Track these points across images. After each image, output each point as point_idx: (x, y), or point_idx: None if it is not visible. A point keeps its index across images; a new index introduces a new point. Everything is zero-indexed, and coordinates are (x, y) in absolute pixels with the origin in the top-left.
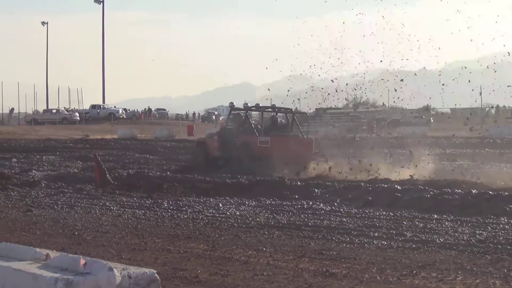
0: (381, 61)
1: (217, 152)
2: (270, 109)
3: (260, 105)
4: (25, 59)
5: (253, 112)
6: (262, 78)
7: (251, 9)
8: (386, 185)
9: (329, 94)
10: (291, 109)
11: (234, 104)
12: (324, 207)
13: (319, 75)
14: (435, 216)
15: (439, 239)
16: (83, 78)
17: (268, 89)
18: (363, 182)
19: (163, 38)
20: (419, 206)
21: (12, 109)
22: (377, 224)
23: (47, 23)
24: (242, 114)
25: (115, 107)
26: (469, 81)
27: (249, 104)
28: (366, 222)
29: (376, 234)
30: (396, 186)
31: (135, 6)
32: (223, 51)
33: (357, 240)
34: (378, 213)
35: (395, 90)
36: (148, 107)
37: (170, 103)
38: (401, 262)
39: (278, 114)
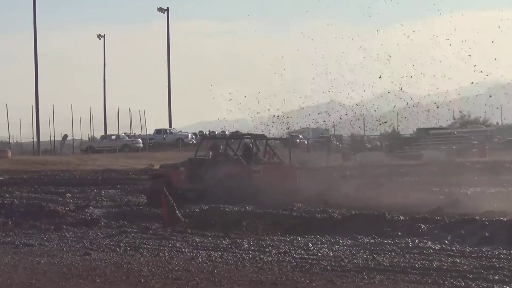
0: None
1: (186, 185)
2: (247, 137)
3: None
4: (79, 79)
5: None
6: (350, 96)
7: (323, 18)
8: (505, 219)
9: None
10: (264, 135)
11: (204, 132)
12: (432, 246)
13: (418, 88)
14: None
15: None
16: (146, 99)
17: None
18: (478, 215)
19: (234, 49)
20: None
21: (66, 136)
22: (497, 265)
23: (103, 36)
24: (220, 143)
25: (181, 131)
26: None
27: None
28: (483, 262)
29: (496, 277)
30: None
31: (201, 15)
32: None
33: (474, 284)
34: (497, 252)
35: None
36: (202, 131)
37: (247, 125)
38: None
39: (246, 141)
